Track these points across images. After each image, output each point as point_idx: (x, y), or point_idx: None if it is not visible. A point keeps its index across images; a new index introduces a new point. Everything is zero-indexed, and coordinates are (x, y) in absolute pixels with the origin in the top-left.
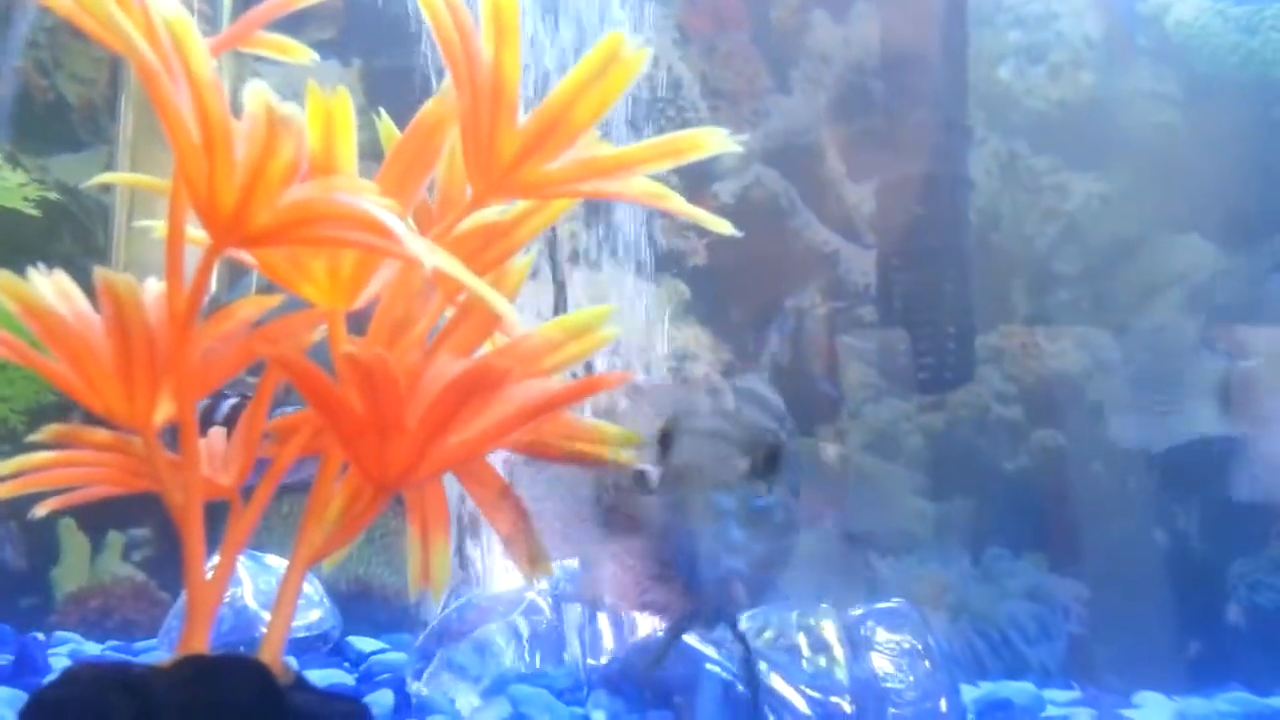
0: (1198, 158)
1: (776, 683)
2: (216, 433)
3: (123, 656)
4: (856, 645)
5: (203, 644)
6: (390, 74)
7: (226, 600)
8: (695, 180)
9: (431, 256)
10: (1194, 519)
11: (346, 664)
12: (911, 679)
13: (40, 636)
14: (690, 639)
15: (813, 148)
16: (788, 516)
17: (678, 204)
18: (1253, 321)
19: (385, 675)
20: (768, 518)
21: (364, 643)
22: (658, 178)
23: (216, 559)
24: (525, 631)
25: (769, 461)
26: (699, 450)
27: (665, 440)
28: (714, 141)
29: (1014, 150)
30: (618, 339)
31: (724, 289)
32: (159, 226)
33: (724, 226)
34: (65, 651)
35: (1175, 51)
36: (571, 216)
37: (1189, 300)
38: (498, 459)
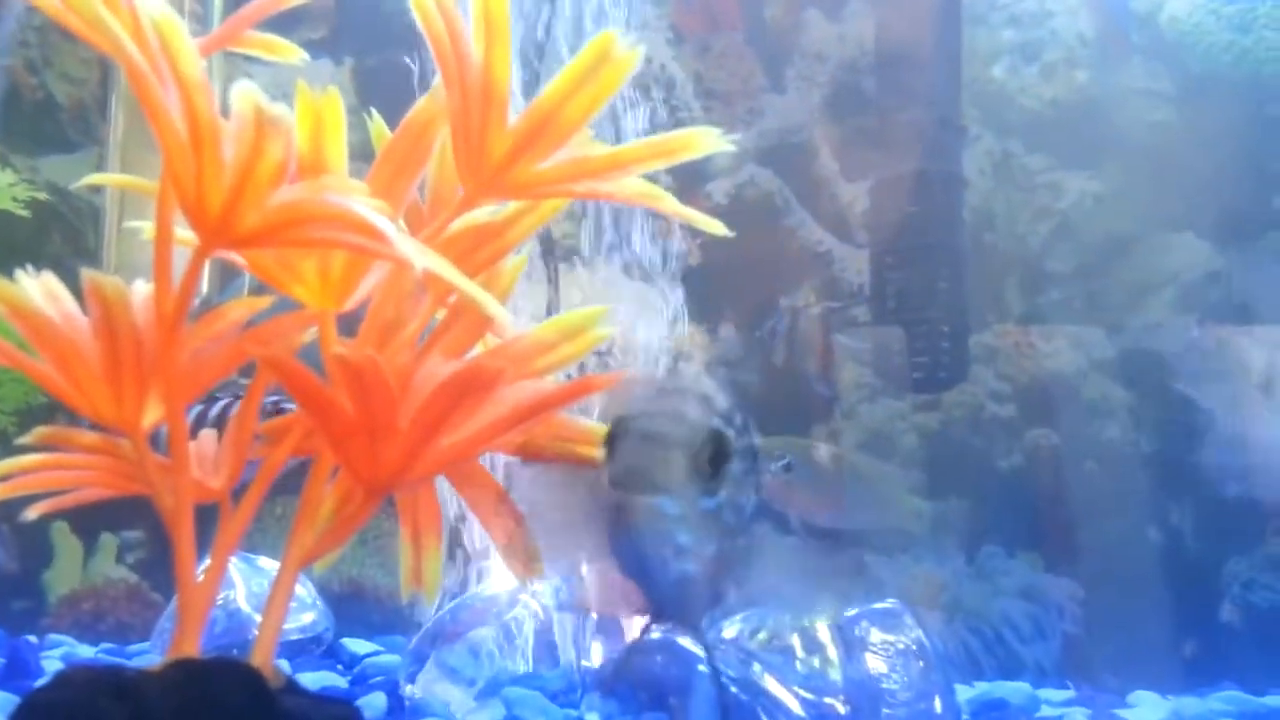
0: (1191, 156)
1: (770, 684)
2: (207, 435)
3: (115, 659)
4: (850, 646)
5: (194, 647)
6: (382, 73)
7: (219, 603)
8: (688, 180)
9: (422, 258)
10: (1188, 518)
11: (340, 666)
12: (906, 679)
13: (33, 639)
14: (684, 641)
15: (807, 147)
16: (740, 517)
17: (670, 204)
18: (1250, 318)
19: (378, 678)
20: (717, 519)
21: (357, 645)
22: (650, 178)
23: (208, 561)
24: (519, 634)
25: (714, 462)
26: (640, 452)
27: (610, 442)
28: (706, 142)
29: (1008, 149)
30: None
31: (718, 289)
32: (148, 228)
33: (717, 227)
34: (58, 654)
35: (1169, 50)
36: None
37: (1182, 299)
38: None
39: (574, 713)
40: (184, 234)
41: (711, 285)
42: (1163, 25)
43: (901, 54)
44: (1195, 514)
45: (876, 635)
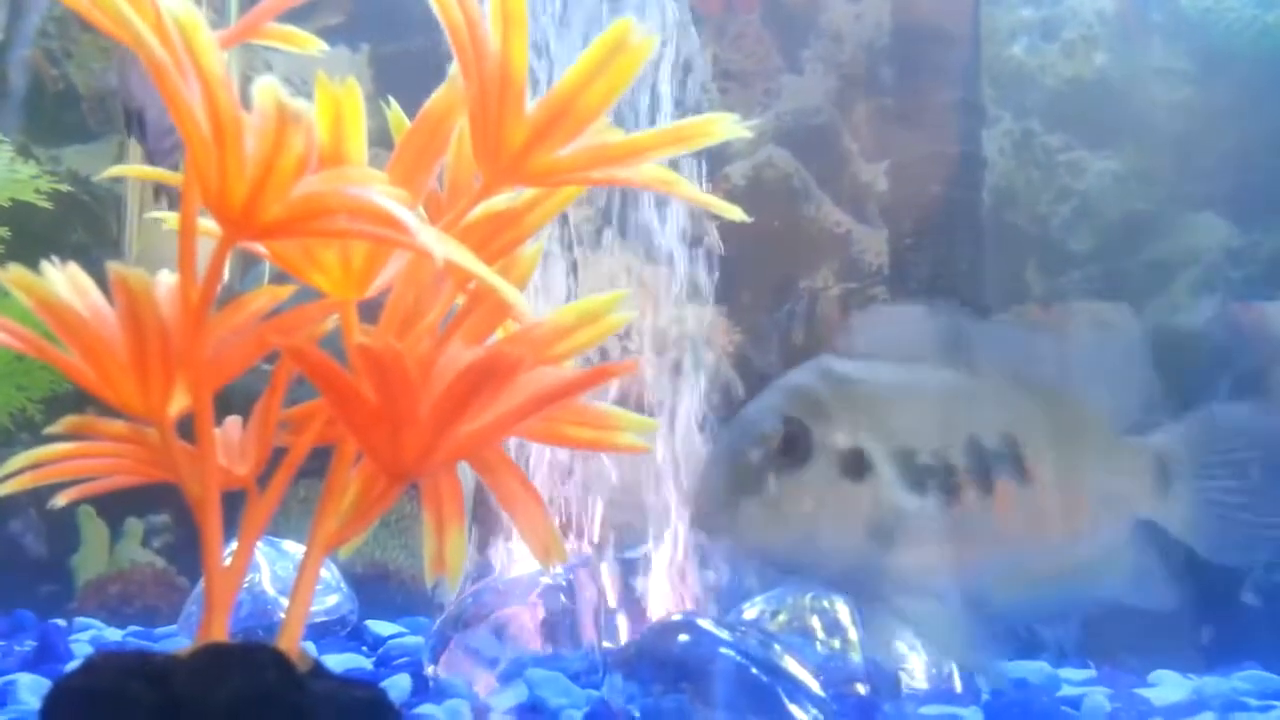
0: (1212, 134)
1: (790, 665)
2: (232, 423)
3: (143, 643)
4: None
5: (221, 632)
6: (399, 59)
7: (245, 586)
8: (706, 162)
9: (442, 247)
10: None
11: (364, 648)
12: (926, 660)
13: (61, 623)
14: (704, 623)
15: (825, 128)
16: None
17: (687, 190)
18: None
19: (403, 659)
20: None
21: (382, 627)
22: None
23: (234, 545)
24: (542, 616)
25: None
26: None
27: None
28: (724, 128)
29: (1027, 128)
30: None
31: (736, 271)
32: (171, 218)
33: (734, 212)
34: (87, 638)
35: (1190, 27)
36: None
37: (1204, 278)
38: None
39: (596, 694)
40: (207, 225)
41: (730, 267)
42: (1183, 2)
43: (920, 33)
44: None
45: None
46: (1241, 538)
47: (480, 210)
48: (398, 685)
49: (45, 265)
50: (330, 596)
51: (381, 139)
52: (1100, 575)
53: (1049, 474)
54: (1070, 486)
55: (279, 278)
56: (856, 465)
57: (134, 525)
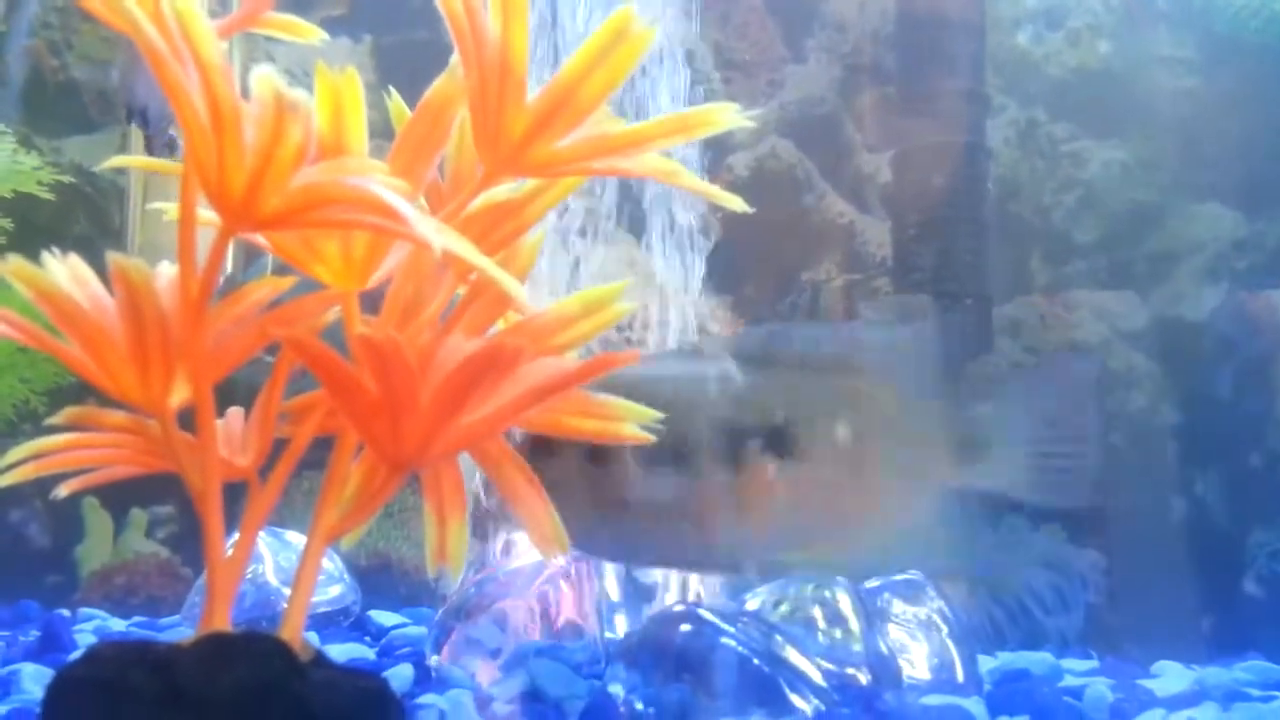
0: (1218, 123)
1: (792, 655)
2: (234, 414)
3: (147, 633)
4: (872, 617)
5: (224, 622)
6: (401, 50)
7: (248, 576)
8: (710, 152)
9: (440, 238)
10: (1213, 487)
11: (367, 638)
12: (928, 650)
13: (65, 613)
14: (706, 613)
15: (829, 118)
16: None
17: (689, 180)
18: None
19: (405, 649)
20: None
21: (384, 617)
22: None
23: (237, 536)
24: (544, 606)
25: None
26: None
27: None
28: (726, 117)
29: (1032, 118)
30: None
31: (740, 261)
32: (171, 209)
33: (736, 203)
34: (91, 628)
35: (1195, 14)
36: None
37: (1209, 268)
38: None
39: (598, 683)
40: (207, 215)
41: (733, 258)
42: None
43: (924, 22)
44: (1221, 485)
45: (899, 606)
46: (1056, 483)
47: (481, 201)
48: (400, 675)
49: (46, 256)
50: (333, 587)
51: (384, 130)
52: (910, 546)
53: (824, 451)
54: (859, 462)
55: (282, 269)
56: (600, 452)
57: (138, 516)
